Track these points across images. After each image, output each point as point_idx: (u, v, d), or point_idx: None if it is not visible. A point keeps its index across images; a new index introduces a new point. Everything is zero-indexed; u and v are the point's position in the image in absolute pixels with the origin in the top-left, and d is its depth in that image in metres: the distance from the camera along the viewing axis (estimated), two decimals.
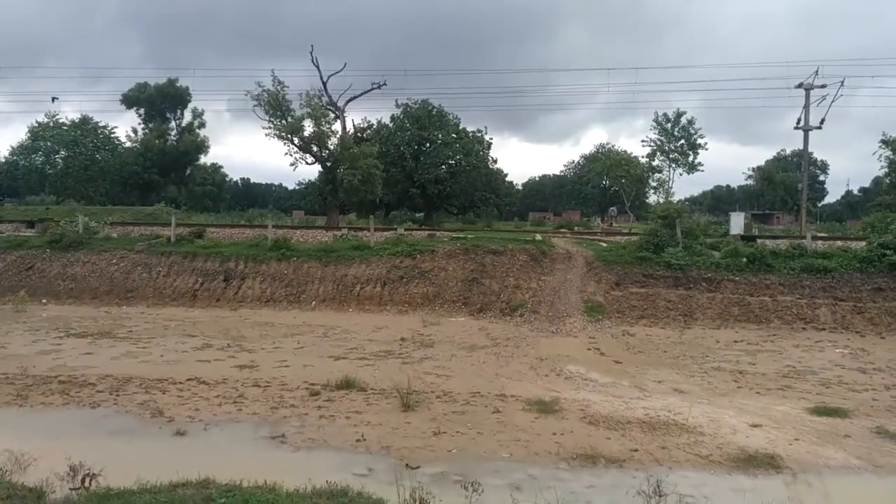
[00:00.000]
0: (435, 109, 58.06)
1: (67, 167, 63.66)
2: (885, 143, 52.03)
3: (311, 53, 44.66)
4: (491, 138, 63.87)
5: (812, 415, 10.90)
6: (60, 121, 65.62)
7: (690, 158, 65.87)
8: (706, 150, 66.64)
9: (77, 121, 65.86)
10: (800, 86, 37.03)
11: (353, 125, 49.44)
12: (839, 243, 24.54)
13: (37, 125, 65.01)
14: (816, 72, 36.53)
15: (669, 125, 65.69)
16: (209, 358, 14.49)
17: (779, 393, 12.43)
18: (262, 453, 8.78)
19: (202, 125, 73.04)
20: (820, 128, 37.33)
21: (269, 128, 41.83)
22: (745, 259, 21.89)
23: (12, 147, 66.59)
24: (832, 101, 36.41)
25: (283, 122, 41.53)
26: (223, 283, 22.95)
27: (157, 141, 68.35)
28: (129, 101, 69.42)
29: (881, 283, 20.63)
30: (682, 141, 65.89)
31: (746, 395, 12.29)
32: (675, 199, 61.72)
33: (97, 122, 67.58)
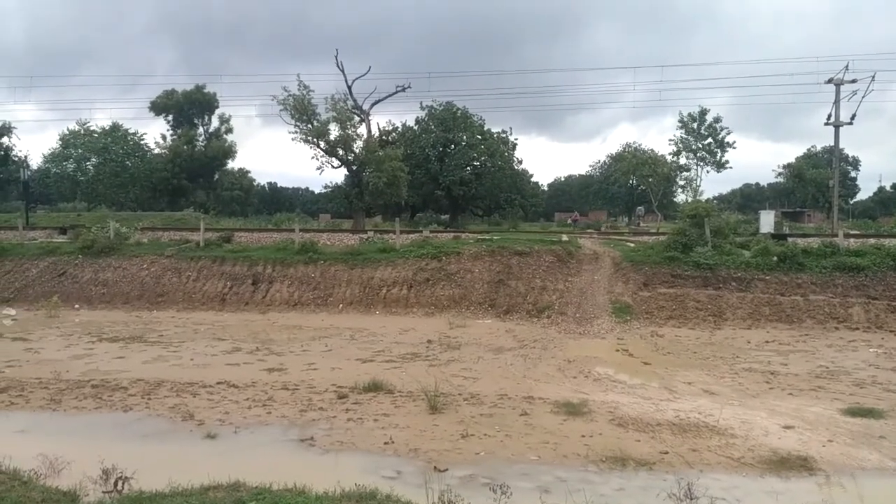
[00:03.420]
0: (459, 111, 58.04)
1: (98, 174, 64.62)
2: None
3: (335, 57, 44.99)
4: (516, 139, 63.64)
5: (846, 416, 10.71)
6: (91, 128, 66.68)
7: (718, 157, 65.07)
8: (734, 148, 65.85)
9: (107, 128, 66.84)
10: (830, 81, 36.43)
11: (378, 128, 49.63)
12: (872, 241, 24.09)
13: (67, 133, 66.10)
14: (846, 67, 35.89)
15: (695, 124, 64.96)
16: (238, 361, 14.63)
17: (811, 394, 12.24)
18: (291, 456, 8.84)
19: (229, 130, 73.74)
20: (851, 124, 36.68)
21: (296, 132, 42.22)
22: (775, 258, 21.58)
23: (45, 155, 67.81)
24: (863, 97, 35.79)
25: (309, 126, 41.84)
26: (251, 286, 23.15)
27: (185, 147, 69.08)
28: (158, 108, 70.31)
29: None
30: (710, 139, 65.12)
31: (778, 396, 12.12)
32: (704, 197, 60.99)
33: (127, 129, 68.58)
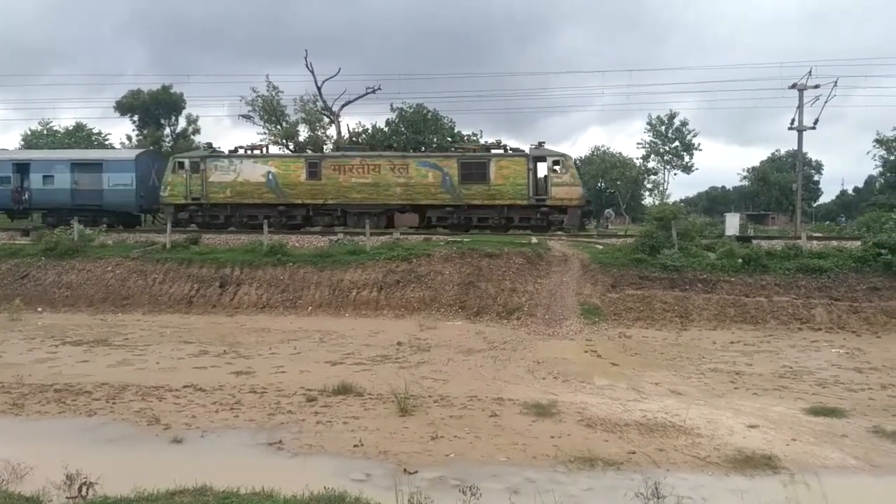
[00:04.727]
0: (430, 113, 58.10)
1: None
2: (879, 142, 52.30)
3: (305, 58, 44.75)
4: (486, 142, 63.98)
5: (809, 415, 10.93)
6: (54, 128, 65.52)
7: (685, 160, 66.10)
8: (700, 150, 66.94)
9: (71, 128, 65.70)
10: (793, 86, 37.07)
11: (348, 129, 49.48)
12: (834, 243, 24.57)
13: (30, 133, 64.90)
14: (810, 72, 36.54)
15: (663, 127, 65.92)
16: (205, 365, 14.47)
17: (775, 393, 12.46)
18: (259, 460, 8.78)
19: (197, 131, 72.85)
20: (814, 128, 37.27)
21: (265, 133, 41.93)
22: (740, 260, 21.90)
23: None
24: (825, 102, 36.43)
25: (278, 127, 41.59)
26: (219, 289, 22.89)
27: (151, 147, 68.22)
28: (123, 108, 69.15)
29: (876, 283, 20.66)
30: (677, 142, 66.14)
31: (743, 395, 12.32)
32: (671, 200, 61.96)
33: (91, 130, 67.47)
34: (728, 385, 13.10)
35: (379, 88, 46.09)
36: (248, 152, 31.58)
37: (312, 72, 44.46)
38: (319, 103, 44.59)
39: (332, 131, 45.52)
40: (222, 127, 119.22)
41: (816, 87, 36.46)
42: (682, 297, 20.68)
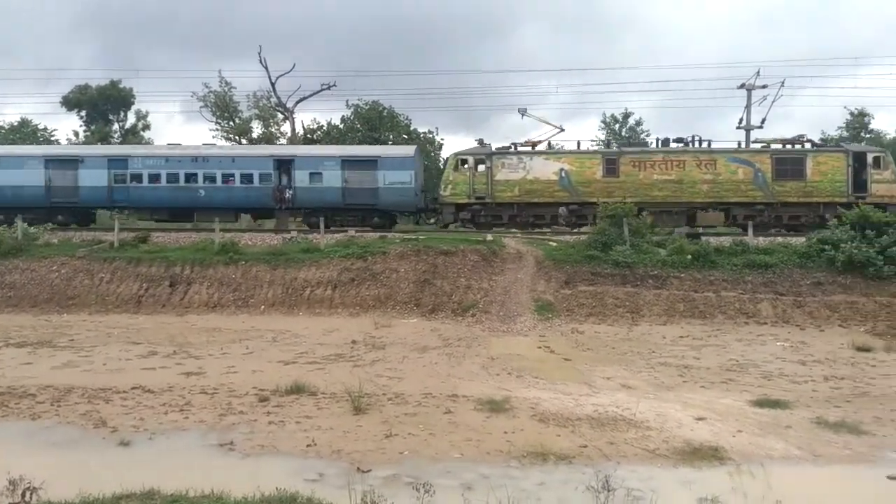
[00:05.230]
0: (385, 110, 57.89)
1: None
2: (825, 141, 53.72)
3: (259, 54, 44.16)
4: (442, 139, 63.90)
5: (754, 407, 11.22)
6: None
7: None
8: None
9: (15, 124, 63.81)
10: (742, 86, 37.95)
11: (303, 126, 49.01)
12: (780, 239, 25.22)
13: None
14: (758, 73, 37.46)
15: (617, 126, 66.69)
16: (154, 365, 14.20)
17: (722, 386, 12.75)
18: (209, 461, 8.66)
19: (146, 127, 71.35)
20: (761, 127, 38.21)
21: (217, 129, 41.24)
22: (689, 256, 22.32)
23: None
24: (773, 102, 37.40)
25: (231, 123, 40.97)
26: (169, 288, 22.46)
27: (99, 144, 66.61)
28: (70, 103, 67.35)
29: (820, 278, 21.27)
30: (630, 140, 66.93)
31: (691, 389, 12.58)
32: None
33: (36, 125, 65.59)
34: (677, 378, 13.36)
35: (334, 85, 45.79)
36: (539, 148, 30.74)
37: (266, 67, 43.92)
38: (273, 99, 44.10)
39: (286, 128, 45.05)
40: (174, 123, 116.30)
41: (764, 87, 37.45)
42: (633, 293, 21.01)
